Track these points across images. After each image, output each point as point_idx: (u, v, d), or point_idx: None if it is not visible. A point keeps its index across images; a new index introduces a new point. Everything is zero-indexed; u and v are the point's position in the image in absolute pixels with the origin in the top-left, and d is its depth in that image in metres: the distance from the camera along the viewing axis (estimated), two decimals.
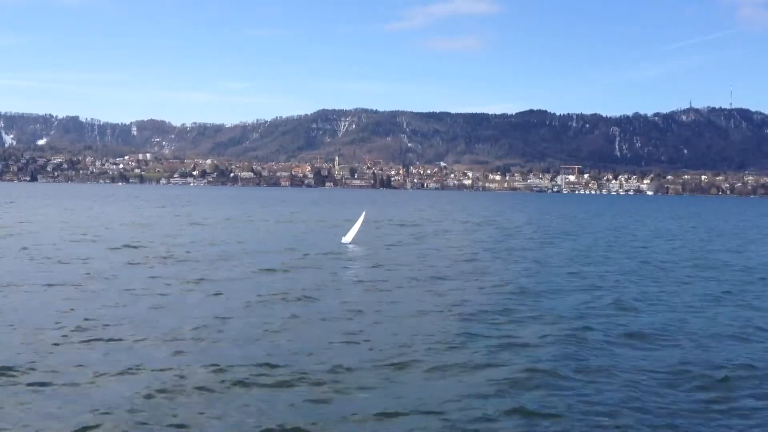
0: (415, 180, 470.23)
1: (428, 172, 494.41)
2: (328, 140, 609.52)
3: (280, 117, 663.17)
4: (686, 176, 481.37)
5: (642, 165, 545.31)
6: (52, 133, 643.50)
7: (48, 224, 60.39)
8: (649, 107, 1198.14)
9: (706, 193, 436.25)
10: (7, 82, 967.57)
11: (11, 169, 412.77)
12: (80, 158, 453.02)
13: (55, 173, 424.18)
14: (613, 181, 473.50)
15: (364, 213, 50.60)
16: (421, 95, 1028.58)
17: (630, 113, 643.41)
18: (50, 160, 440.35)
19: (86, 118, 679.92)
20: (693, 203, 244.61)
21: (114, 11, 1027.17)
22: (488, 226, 76.62)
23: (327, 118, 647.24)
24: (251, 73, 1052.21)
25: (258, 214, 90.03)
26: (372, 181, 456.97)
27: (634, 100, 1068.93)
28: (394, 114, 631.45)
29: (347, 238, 47.03)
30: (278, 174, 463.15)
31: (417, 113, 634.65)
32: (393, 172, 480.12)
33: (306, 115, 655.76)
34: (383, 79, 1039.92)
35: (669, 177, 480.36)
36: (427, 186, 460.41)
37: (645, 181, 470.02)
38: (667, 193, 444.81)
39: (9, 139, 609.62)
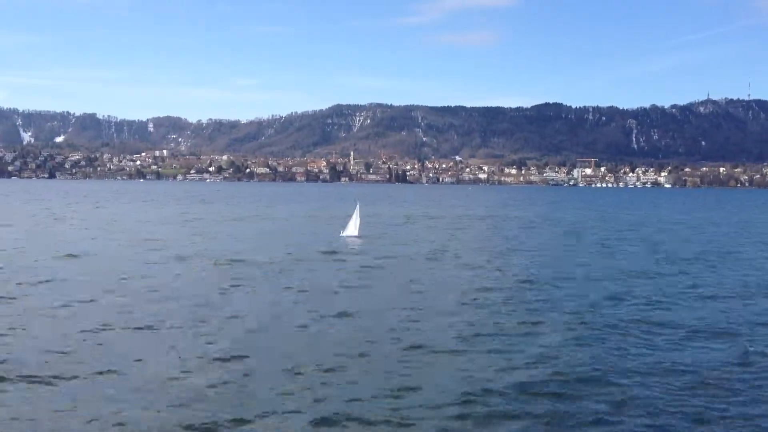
0: (431, 174, 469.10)
1: (443, 166, 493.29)
2: (343, 135, 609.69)
3: (295, 113, 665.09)
4: (704, 168, 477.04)
5: (659, 157, 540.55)
6: (69, 130, 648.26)
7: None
8: (666, 99, 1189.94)
9: (724, 186, 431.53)
10: (25, 81, 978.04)
11: (30, 167, 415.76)
12: (97, 155, 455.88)
13: (73, 170, 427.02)
14: (630, 174, 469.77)
15: (358, 205, 50.41)
16: (436, 89, 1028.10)
17: (647, 105, 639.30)
18: (68, 157, 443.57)
19: (103, 116, 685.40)
20: (722, 196, 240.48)
21: (128, 9, 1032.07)
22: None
23: (342, 113, 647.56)
24: (265, 70, 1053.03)
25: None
26: (387, 176, 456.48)
27: (651, 92, 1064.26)
28: (409, 108, 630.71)
29: (349, 232, 46.80)
30: (294, 169, 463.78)
31: (432, 107, 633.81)
32: (408, 167, 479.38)
33: (321, 110, 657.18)
34: (398, 74, 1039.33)
35: (687, 169, 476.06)
36: (442, 180, 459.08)
37: (662, 174, 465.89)
38: (685, 185, 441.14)
39: (27, 137, 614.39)
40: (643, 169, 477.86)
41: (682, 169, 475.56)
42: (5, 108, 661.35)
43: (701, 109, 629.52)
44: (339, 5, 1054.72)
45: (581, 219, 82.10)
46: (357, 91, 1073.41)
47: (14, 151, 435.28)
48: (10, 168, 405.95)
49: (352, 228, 46.89)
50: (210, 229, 55.13)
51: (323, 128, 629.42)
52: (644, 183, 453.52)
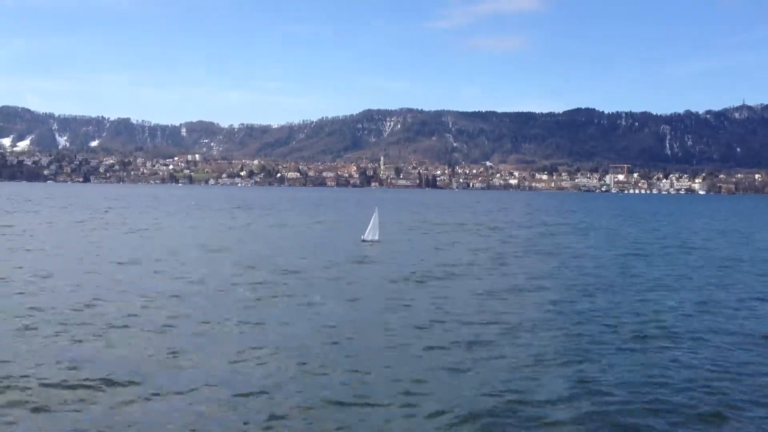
0: (461, 180, 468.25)
1: (474, 171, 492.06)
2: (374, 140, 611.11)
3: (326, 117, 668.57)
4: (739, 175, 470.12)
5: (693, 164, 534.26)
6: (104, 135, 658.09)
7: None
8: (700, 105, 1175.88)
9: (759, 193, 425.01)
10: (61, 86, 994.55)
11: (65, 171, 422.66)
12: (131, 159, 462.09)
13: (107, 174, 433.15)
14: (664, 181, 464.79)
15: (377, 209, 50.65)
16: (467, 95, 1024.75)
17: (681, 111, 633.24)
18: (102, 161, 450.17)
19: (137, 120, 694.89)
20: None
21: (162, 14, 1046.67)
22: None
23: (372, 118, 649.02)
24: (297, 74, 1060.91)
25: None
26: (417, 181, 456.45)
27: (685, 97, 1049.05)
28: (440, 114, 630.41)
29: (369, 236, 47.24)
30: (324, 174, 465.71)
31: (462, 113, 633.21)
32: (438, 172, 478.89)
33: (351, 115, 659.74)
34: (429, 78, 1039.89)
35: (721, 176, 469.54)
36: (472, 186, 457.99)
37: (697, 181, 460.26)
38: (720, 192, 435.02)
39: (63, 141, 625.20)
40: (676, 175, 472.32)
41: (717, 176, 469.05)
42: (41, 113, 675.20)
43: (736, 114, 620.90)
44: (371, 9, 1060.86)
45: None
46: (387, 95, 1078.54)
47: (50, 156, 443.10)
48: (45, 172, 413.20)
49: (373, 232, 47.42)
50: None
51: (354, 133, 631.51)
52: (678, 189, 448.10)
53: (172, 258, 37.26)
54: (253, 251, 42.10)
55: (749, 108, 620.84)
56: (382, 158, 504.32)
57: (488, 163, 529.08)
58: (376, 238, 47.18)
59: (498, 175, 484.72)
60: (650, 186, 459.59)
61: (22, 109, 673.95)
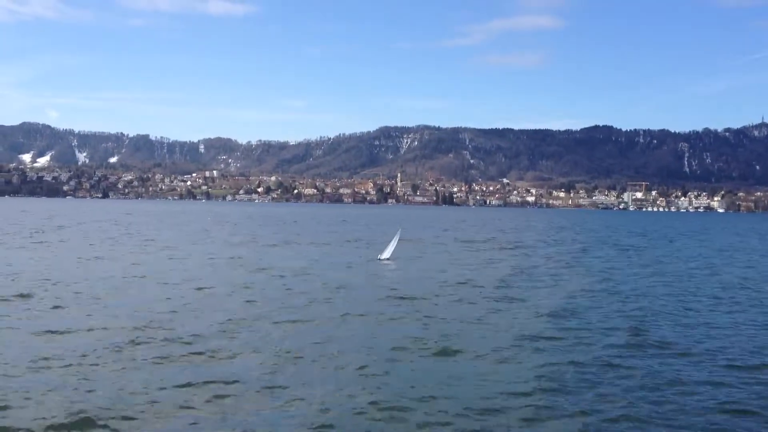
0: (478, 197, 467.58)
1: (491, 188, 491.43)
2: (391, 157, 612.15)
3: (343, 134, 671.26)
4: (758, 193, 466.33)
5: (712, 181, 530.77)
6: (123, 151, 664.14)
7: None
8: (719, 122, 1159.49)
9: None
10: (82, 102, 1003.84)
11: (84, 186, 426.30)
12: (150, 175, 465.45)
13: (126, 190, 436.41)
14: (682, 198, 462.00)
15: (399, 230, 50.74)
16: (484, 112, 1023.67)
17: (699, 128, 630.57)
18: (121, 177, 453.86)
19: (156, 137, 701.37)
20: None
21: (180, 32, 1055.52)
22: None
23: (389, 135, 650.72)
24: (314, 91, 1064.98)
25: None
26: (434, 198, 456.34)
27: (704, 114, 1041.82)
28: (457, 131, 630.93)
29: (385, 254, 47.31)
30: (341, 191, 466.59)
31: (480, 130, 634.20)
32: (455, 189, 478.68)
33: (368, 132, 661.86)
34: (445, 95, 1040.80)
35: (740, 194, 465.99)
36: (489, 203, 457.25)
37: (715, 198, 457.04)
38: (739, 210, 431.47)
39: (82, 157, 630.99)
40: (695, 193, 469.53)
41: (736, 194, 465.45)
42: (61, 129, 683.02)
43: (755, 132, 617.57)
44: (387, 27, 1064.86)
45: None
46: (405, 112, 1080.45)
47: (69, 171, 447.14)
48: (65, 188, 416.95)
49: (386, 252, 47.69)
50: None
51: (371, 150, 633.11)
52: (696, 207, 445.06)
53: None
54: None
55: None
56: (399, 175, 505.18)
57: (505, 180, 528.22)
58: (388, 256, 47.28)
59: (515, 192, 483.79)
60: (668, 204, 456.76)
61: (43, 125, 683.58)
